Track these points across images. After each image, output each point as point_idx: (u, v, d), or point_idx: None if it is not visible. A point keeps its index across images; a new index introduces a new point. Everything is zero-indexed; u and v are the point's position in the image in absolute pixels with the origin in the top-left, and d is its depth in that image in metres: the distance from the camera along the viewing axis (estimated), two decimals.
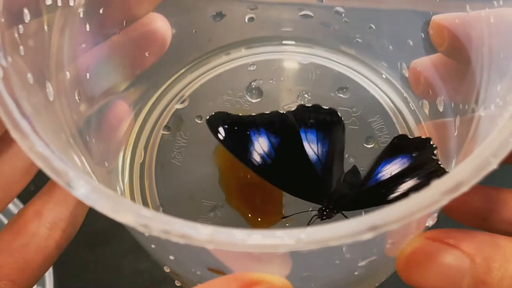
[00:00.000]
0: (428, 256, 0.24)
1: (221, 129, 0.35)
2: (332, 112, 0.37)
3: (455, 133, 0.31)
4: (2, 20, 0.23)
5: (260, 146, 0.35)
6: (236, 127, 0.35)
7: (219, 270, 0.26)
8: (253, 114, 0.36)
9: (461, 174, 0.19)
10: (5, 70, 0.22)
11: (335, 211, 0.34)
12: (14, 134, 0.21)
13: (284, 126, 0.36)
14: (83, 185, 0.20)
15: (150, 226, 0.19)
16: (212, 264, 0.26)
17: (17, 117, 0.21)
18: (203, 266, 0.27)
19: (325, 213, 0.34)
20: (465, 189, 0.19)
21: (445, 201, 0.19)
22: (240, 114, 0.36)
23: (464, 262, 0.23)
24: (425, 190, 0.19)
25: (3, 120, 0.21)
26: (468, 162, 0.20)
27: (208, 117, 0.35)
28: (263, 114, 0.36)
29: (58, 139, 0.25)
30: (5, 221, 0.43)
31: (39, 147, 0.20)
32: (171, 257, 0.27)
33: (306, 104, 0.37)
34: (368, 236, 0.18)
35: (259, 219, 0.36)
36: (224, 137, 0.35)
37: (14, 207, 0.43)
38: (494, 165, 0.20)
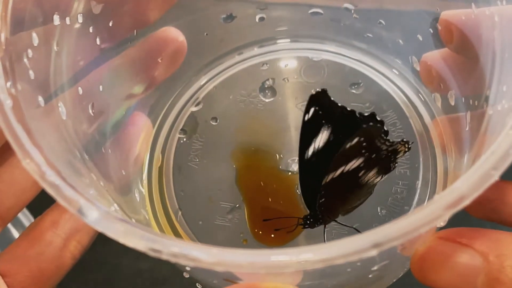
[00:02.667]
0: (441, 255, 0.24)
1: (312, 110, 0.34)
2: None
3: (467, 128, 0.31)
4: (12, 54, 0.23)
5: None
6: (322, 113, 0.35)
7: (234, 281, 0.26)
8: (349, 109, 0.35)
9: (463, 188, 0.20)
10: (14, 99, 0.22)
11: (319, 222, 0.34)
12: (25, 164, 0.21)
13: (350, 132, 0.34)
14: (94, 212, 0.20)
15: (161, 251, 0.19)
16: (227, 275, 0.26)
17: (28, 147, 0.21)
18: (219, 277, 0.27)
19: (308, 222, 0.34)
20: (467, 202, 0.19)
21: (447, 216, 0.19)
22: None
23: (477, 260, 0.24)
24: (427, 205, 0.19)
25: (15, 151, 0.21)
26: (469, 175, 0.20)
27: (314, 92, 0.35)
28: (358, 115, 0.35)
29: (69, 160, 0.25)
30: (13, 229, 0.44)
31: (50, 175, 0.21)
32: (188, 268, 0.28)
33: (378, 117, 0.35)
34: (373, 253, 0.19)
35: (272, 236, 0.36)
36: (309, 119, 0.35)
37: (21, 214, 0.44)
38: (495, 177, 0.20)
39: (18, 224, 0.44)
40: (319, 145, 0.34)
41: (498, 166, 0.20)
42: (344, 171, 0.33)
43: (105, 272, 0.42)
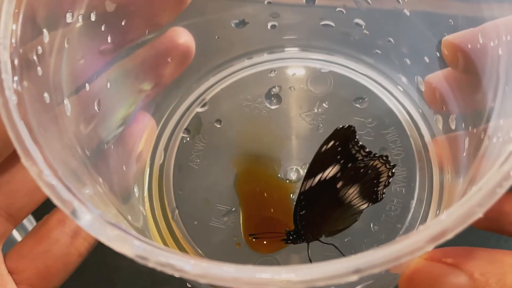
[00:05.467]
0: (428, 276, 0.25)
1: (331, 143, 0.34)
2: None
3: (464, 154, 0.32)
4: (21, 51, 0.24)
5: (328, 174, 0.34)
6: (341, 149, 0.34)
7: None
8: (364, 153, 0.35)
9: (447, 222, 0.20)
10: (19, 96, 0.23)
11: (301, 239, 0.35)
12: (24, 161, 0.22)
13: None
14: (87, 215, 0.21)
15: (147, 258, 0.20)
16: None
17: (28, 145, 0.22)
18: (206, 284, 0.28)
19: (291, 237, 0.35)
20: (449, 237, 0.20)
21: (429, 248, 0.20)
22: (360, 144, 0.34)
23: (463, 279, 0.24)
24: (411, 235, 0.20)
25: (15, 147, 0.22)
26: (455, 210, 0.20)
27: (341, 126, 0.34)
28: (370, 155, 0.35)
29: (69, 159, 0.26)
30: (14, 231, 0.44)
31: (47, 175, 0.21)
32: None
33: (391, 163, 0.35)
34: (353, 278, 0.19)
35: (264, 242, 0.36)
36: (326, 149, 0.34)
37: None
38: (479, 214, 0.20)
39: (19, 226, 0.44)
40: (326, 177, 0.34)
41: (483, 203, 0.20)
42: (322, 179, 0.33)
43: (105, 272, 0.43)
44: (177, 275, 0.20)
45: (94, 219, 0.21)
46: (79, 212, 0.21)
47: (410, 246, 0.19)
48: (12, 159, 0.29)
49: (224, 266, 0.20)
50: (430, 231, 0.20)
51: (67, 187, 0.21)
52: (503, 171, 0.21)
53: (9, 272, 0.29)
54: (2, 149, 0.28)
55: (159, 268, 0.20)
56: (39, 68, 0.25)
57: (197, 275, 0.20)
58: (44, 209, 0.30)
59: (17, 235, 0.44)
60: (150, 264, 0.20)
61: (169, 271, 0.20)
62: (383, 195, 0.35)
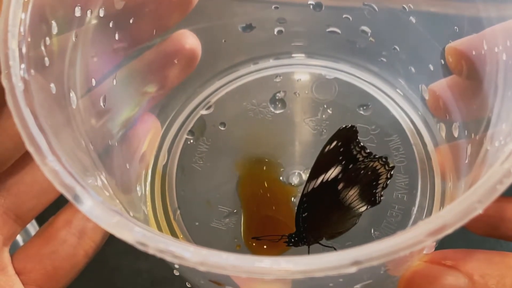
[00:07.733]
0: (428, 278, 0.25)
1: (334, 143, 0.34)
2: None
3: (466, 161, 0.32)
4: (29, 39, 0.24)
5: (330, 175, 0.35)
6: (343, 150, 0.35)
7: (220, 282, 0.27)
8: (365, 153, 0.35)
9: (447, 217, 0.20)
10: (26, 83, 0.23)
11: (303, 241, 0.35)
12: (29, 147, 0.22)
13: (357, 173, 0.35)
14: (88, 201, 0.21)
15: (147, 245, 0.20)
16: (213, 277, 0.27)
17: (33, 131, 0.22)
18: (205, 278, 0.28)
19: (292, 240, 0.35)
20: (449, 231, 0.20)
21: (428, 242, 0.20)
22: (361, 145, 0.35)
23: (462, 281, 0.24)
24: (411, 230, 0.20)
25: (20, 133, 0.22)
26: (455, 205, 0.20)
27: (344, 126, 0.35)
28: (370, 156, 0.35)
29: (74, 150, 0.26)
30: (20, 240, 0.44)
31: (51, 161, 0.22)
32: (176, 266, 0.28)
33: (391, 164, 0.35)
34: (352, 270, 0.19)
35: (264, 246, 0.37)
36: (328, 150, 0.35)
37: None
38: (479, 210, 0.20)
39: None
40: (328, 178, 0.35)
41: (483, 200, 0.20)
42: (324, 180, 0.34)
43: (105, 272, 0.43)
44: (176, 262, 0.20)
45: (96, 205, 0.21)
46: (81, 198, 0.21)
47: (410, 240, 0.20)
48: (21, 161, 0.29)
49: (224, 254, 0.20)
50: (429, 226, 0.20)
51: (70, 173, 0.22)
52: (504, 168, 0.21)
53: (16, 273, 0.29)
54: (12, 152, 0.28)
55: (158, 254, 0.20)
56: (46, 59, 0.25)
57: (196, 263, 0.20)
58: (45, 210, 0.30)
59: (20, 239, 0.44)
60: (150, 251, 0.20)
61: (168, 258, 0.20)
62: (382, 197, 0.35)
